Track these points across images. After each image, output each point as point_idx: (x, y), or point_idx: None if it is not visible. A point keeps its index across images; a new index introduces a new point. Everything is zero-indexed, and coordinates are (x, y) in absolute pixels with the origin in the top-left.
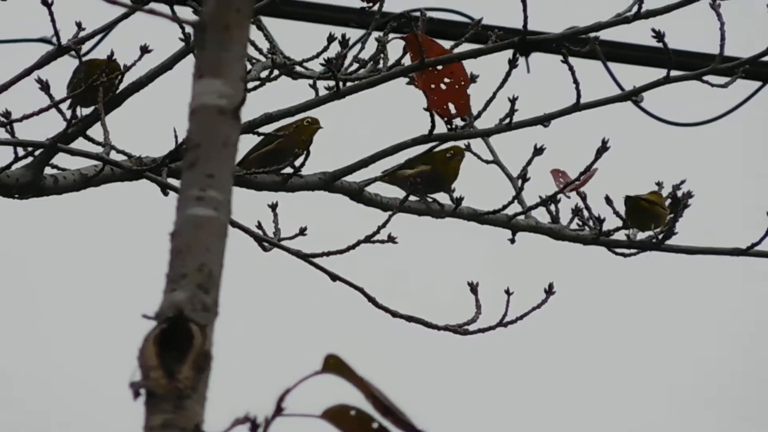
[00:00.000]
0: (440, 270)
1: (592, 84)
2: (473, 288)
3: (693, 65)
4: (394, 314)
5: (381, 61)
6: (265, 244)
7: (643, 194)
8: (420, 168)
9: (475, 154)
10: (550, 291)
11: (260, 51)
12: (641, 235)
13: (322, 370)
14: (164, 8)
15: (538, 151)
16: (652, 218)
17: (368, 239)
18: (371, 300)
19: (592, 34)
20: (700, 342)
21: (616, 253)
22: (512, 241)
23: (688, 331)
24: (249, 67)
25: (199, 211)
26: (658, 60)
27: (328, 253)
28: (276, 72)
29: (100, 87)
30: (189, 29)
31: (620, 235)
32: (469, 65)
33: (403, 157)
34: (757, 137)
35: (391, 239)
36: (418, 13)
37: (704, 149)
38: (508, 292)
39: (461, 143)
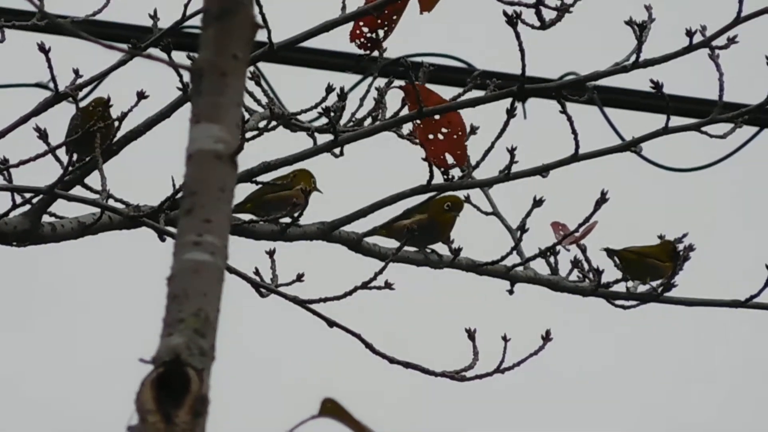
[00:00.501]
0: (437, 317)
1: (590, 130)
2: (471, 334)
3: (692, 111)
4: (392, 360)
5: (379, 113)
6: (263, 290)
7: (634, 246)
8: (417, 217)
9: (474, 206)
10: (547, 338)
11: (258, 102)
12: (641, 288)
13: (320, 414)
14: (161, 55)
15: (538, 202)
16: (645, 269)
17: (365, 285)
18: (368, 346)
19: (591, 83)
20: (699, 392)
21: (616, 305)
22: (511, 292)
23: (686, 380)
24: (247, 116)
25: (196, 256)
26: (656, 106)
27: (325, 299)
28: (274, 123)
29: (96, 134)
30: (186, 76)
31: (620, 287)
32: (468, 115)
33: (402, 208)
34: (756, 182)
35: (388, 285)
36: (416, 59)
37: (704, 196)
38: (505, 339)
39: (461, 194)
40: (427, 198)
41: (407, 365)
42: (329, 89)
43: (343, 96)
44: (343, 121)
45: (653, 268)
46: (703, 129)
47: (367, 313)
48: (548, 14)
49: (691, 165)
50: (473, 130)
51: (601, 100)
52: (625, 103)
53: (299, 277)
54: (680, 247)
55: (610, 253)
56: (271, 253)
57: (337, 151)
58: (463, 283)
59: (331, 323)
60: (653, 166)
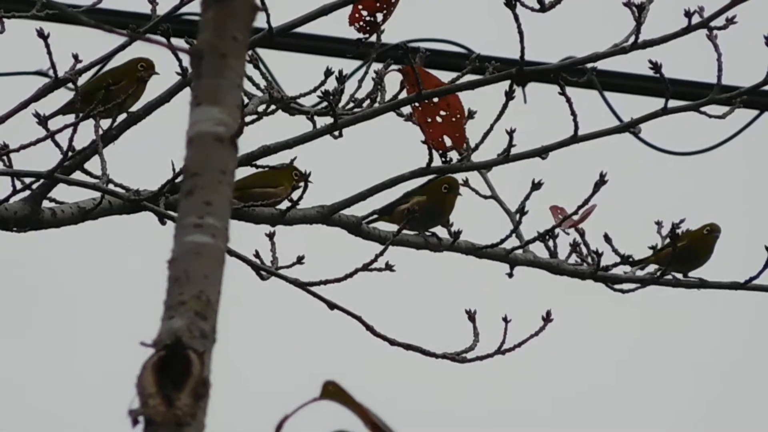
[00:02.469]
0: (438, 299)
1: (589, 113)
2: (471, 316)
3: (691, 94)
4: (392, 342)
5: (378, 95)
6: (263, 272)
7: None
8: (415, 199)
9: (473, 189)
10: (547, 318)
11: (257, 86)
12: (640, 271)
13: (321, 397)
14: (161, 40)
15: (537, 185)
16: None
17: (366, 267)
18: (369, 328)
19: (589, 65)
20: (698, 375)
21: (615, 289)
22: (510, 275)
23: (685, 363)
24: (246, 101)
25: (197, 239)
26: (655, 89)
27: (326, 282)
28: (273, 107)
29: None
30: (185, 61)
31: (619, 270)
32: (466, 99)
33: (401, 191)
34: (756, 166)
35: (388, 267)
36: (415, 45)
37: (703, 178)
38: (505, 320)
39: (460, 176)
40: (425, 181)
41: (408, 347)
42: (328, 73)
43: (342, 79)
44: (342, 104)
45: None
46: (702, 110)
47: (368, 296)
48: None
49: (689, 149)
50: (471, 114)
51: (601, 83)
52: (625, 87)
53: (299, 260)
54: (678, 231)
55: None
56: (271, 236)
57: (336, 132)
58: (463, 265)
59: (332, 306)
60: (653, 151)
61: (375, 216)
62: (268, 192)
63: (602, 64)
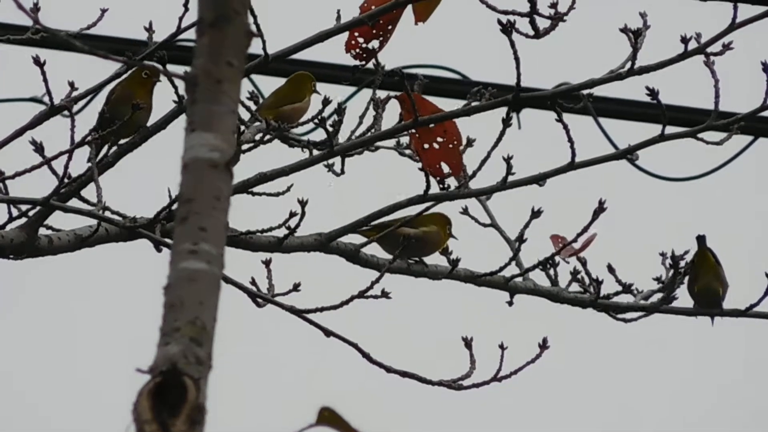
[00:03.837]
0: (435, 325)
1: (585, 140)
2: (467, 343)
3: (687, 121)
4: (389, 369)
5: (376, 123)
6: (259, 299)
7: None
8: (424, 229)
9: (472, 217)
10: (544, 346)
11: (253, 114)
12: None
13: (317, 423)
14: (156, 66)
15: (536, 213)
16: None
17: (362, 294)
18: (365, 355)
19: (585, 91)
20: (697, 401)
21: (617, 318)
22: (510, 303)
23: (685, 390)
24: (242, 129)
25: (192, 265)
26: (652, 116)
27: (322, 309)
28: (270, 135)
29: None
30: (181, 88)
31: (620, 299)
32: (464, 127)
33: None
34: (752, 191)
35: (384, 294)
36: (411, 71)
37: (702, 204)
38: (502, 347)
39: (459, 204)
40: (430, 211)
41: (404, 374)
42: (326, 102)
43: (340, 111)
44: (341, 140)
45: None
46: (699, 136)
47: (365, 323)
48: (542, 23)
49: (686, 174)
50: (470, 142)
51: (597, 110)
52: (621, 113)
53: (296, 287)
54: (681, 263)
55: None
56: (267, 263)
57: (337, 169)
58: (461, 293)
59: (328, 333)
60: (650, 177)
61: (369, 234)
62: (296, 108)
63: (598, 90)
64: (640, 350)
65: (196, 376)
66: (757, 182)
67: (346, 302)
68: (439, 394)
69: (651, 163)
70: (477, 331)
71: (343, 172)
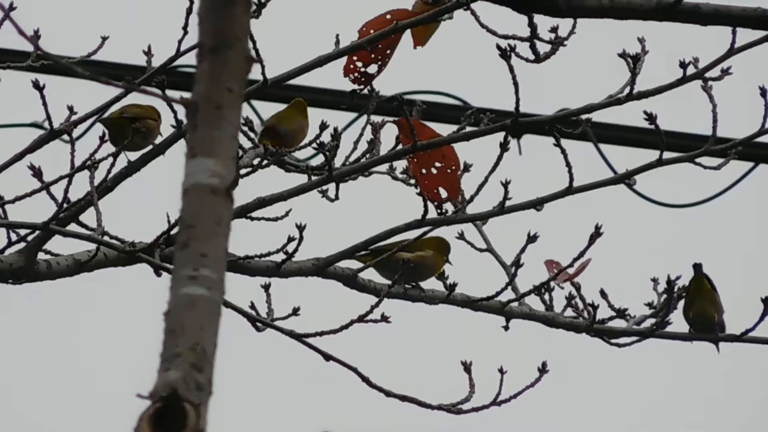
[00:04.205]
0: (434, 350)
1: (584, 165)
2: (467, 367)
3: (685, 146)
4: (388, 394)
5: (374, 148)
6: (259, 324)
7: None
8: (421, 253)
9: (468, 242)
10: (543, 370)
11: (252, 140)
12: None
13: None
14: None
15: (532, 238)
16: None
17: (361, 319)
18: (365, 380)
19: (584, 116)
20: (696, 426)
21: (611, 344)
22: (506, 328)
23: (682, 414)
24: (241, 153)
25: (193, 291)
26: (650, 142)
27: (322, 333)
28: (268, 160)
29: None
30: (180, 112)
31: (615, 324)
32: (462, 153)
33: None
34: (751, 217)
35: (384, 319)
36: (410, 96)
37: (699, 230)
38: (501, 371)
39: (454, 230)
40: (428, 236)
41: (404, 398)
42: (323, 126)
43: (337, 136)
44: (338, 164)
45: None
46: (697, 161)
47: (364, 346)
48: (542, 47)
49: (684, 201)
50: (467, 167)
51: (595, 135)
52: (620, 139)
53: (295, 311)
54: (675, 288)
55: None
56: (266, 288)
57: (332, 195)
58: (459, 317)
59: (328, 357)
60: (649, 204)
61: (365, 252)
62: (299, 128)
63: (597, 116)
64: (636, 374)
65: (196, 402)
66: (757, 208)
67: (346, 326)
68: (438, 418)
69: (650, 190)
70: (475, 354)
71: (337, 197)
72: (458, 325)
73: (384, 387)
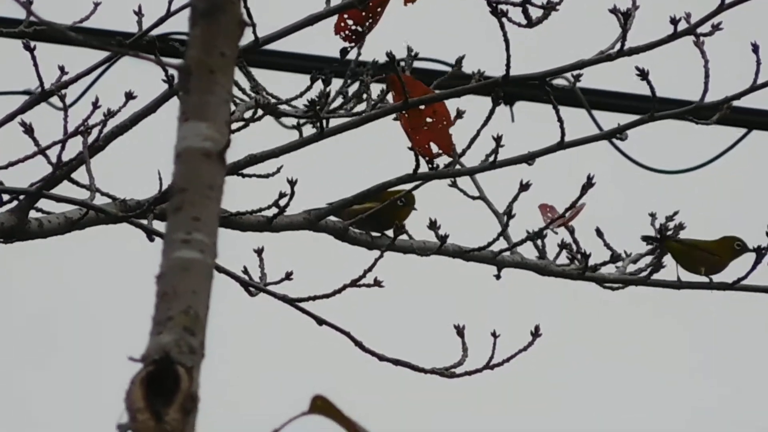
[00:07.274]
0: (427, 310)
1: (576, 130)
2: (459, 331)
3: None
4: (381, 358)
5: (365, 102)
6: (251, 288)
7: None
8: (368, 205)
9: (461, 190)
10: (536, 333)
11: (243, 91)
12: (631, 267)
13: (310, 411)
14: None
15: (524, 186)
16: (694, 261)
17: (354, 283)
18: (358, 344)
19: (575, 72)
20: (690, 378)
21: (604, 286)
22: (498, 277)
23: (678, 367)
24: (233, 107)
25: (186, 254)
26: (642, 108)
27: (314, 297)
28: (260, 112)
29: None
30: (173, 72)
31: (608, 269)
32: (454, 103)
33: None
34: (743, 183)
35: (377, 283)
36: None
37: (693, 191)
38: (494, 335)
39: (449, 180)
40: (411, 187)
41: (397, 362)
42: (314, 78)
43: (327, 81)
44: (328, 107)
45: (704, 260)
46: (689, 117)
47: (357, 309)
48: (535, 12)
49: (676, 166)
50: (459, 114)
51: (587, 101)
52: (611, 105)
53: (288, 276)
54: (670, 225)
55: (653, 240)
56: (259, 252)
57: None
58: (450, 270)
59: (321, 321)
60: (641, 170)
61: (329, 207)
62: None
63: (589, 80)
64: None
65: (189, 365)
66: (752, 174)
67: (339, 291)
68: (432, 382)
69: (643, 153)
70: (468, 310)
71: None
72: (450, 279)
73: (377, 351)
